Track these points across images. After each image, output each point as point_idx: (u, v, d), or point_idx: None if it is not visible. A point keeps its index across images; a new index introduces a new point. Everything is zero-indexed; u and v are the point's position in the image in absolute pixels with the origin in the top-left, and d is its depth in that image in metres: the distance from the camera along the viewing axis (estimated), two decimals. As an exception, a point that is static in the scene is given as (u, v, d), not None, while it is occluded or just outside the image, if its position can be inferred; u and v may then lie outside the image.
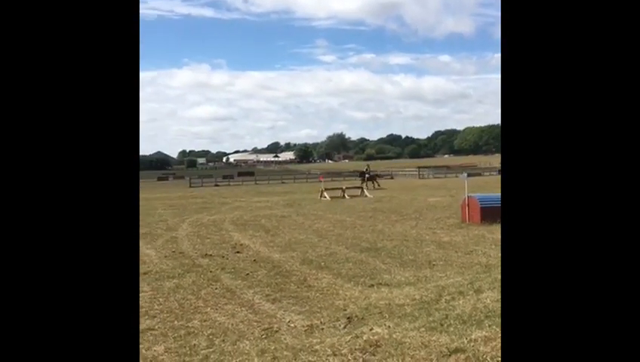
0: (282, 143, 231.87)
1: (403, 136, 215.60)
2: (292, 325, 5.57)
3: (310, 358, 4.33)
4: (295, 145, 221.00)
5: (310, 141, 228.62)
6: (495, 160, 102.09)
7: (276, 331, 5.41)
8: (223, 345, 5.05)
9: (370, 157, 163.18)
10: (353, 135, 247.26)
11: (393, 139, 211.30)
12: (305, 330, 5.32)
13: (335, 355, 4.32)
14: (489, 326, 4.67)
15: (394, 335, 4.64)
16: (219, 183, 51.38)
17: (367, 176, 34.06)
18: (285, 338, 5.07)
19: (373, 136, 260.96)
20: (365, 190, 27.99)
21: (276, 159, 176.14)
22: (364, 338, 4.64)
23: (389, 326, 4.98)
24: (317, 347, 4.60)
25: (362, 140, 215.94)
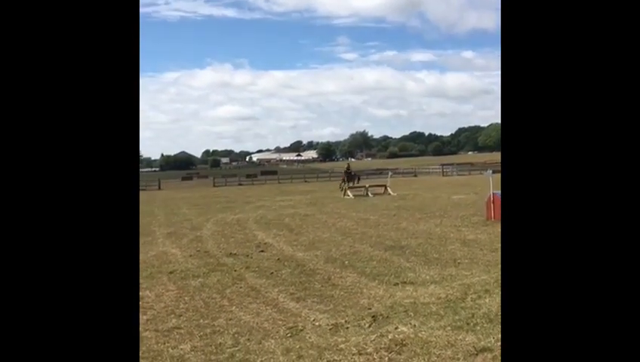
0: (305, 142, 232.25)
1: (426, 134, 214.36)
2: (317, 324, 5.57)
3: (335, 357, 4.32)
4: (318, 143, 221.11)
5: (333, 139, 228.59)
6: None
7: (301, 330, 5.42)
8: (248, 344, 5.08)
9: (393, 155, 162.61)
10: (376, 133, 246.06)
11: (416, 137, 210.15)
12: (330, 329, 5.32)
13: (360, 354, 4.30)
14: (516, 325, 4.61)
15: (420, 334, 4.61)
16: (242, 182, 51.70)
17: (347, 176, 30.82)
18: (310, 337, 5.07)
19: (396, 133, 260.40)
20: (389, 188, 27.87)
21: (299, 158, 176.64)
22: (390, 337, 4.62)
23: (415, 325, 4.95)
24: (342, 346, 4.60)
25: (385, 138, 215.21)
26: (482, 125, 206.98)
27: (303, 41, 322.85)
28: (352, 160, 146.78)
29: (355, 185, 29.17)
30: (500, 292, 6.00)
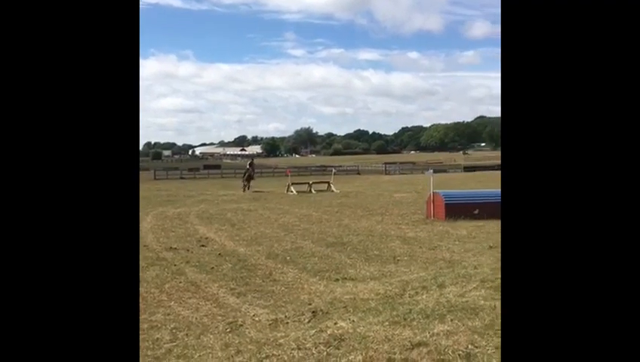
0: (249, 137, 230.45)
1: (370, 132, 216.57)
2: (257, 319, 5.56)
3: (274, 352, 4.33)
4: (262, 139, 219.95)
5: (277, 135, 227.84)
6: (459, 157, 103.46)
7: (240, 325, 5.39)
8: (186, 339, 5.01)
9: (337, 153, 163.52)
10: (321, 130, 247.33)
11: (360, 135, 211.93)
12: (269, 324, 5.32)
13: (299, 349, 4.32)
14: (451, 320, 4.73)
15: (358, 329, 4.67)
16: (184, 176, 50.85)
17: (246, 174, 28.81)
18: (249, 332, 5.06)
19: (341, 131, 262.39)
20: (332, 185, 28.03)
21: (243, 153, 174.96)
22: (329, 332, 4.66)
23: (354, 321, 5.01)
24: (281, 341, 4.61)
25: (330, 135, 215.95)
26: (425, 125, 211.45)
27: (251, 34, 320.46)
28: (297, 156, 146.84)
29: (248, 183, 27.95)
30: (437, 289, 6.15)
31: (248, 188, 27.65)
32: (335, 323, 4.94)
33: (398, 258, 8.85)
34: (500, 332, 4.30)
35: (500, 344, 4.01)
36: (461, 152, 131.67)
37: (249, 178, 28.58)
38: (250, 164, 29.95)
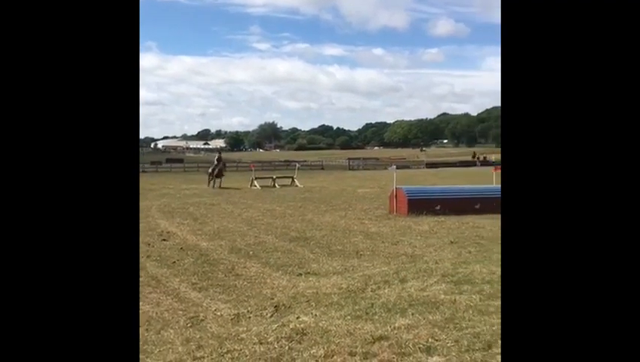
0: (213, 130, 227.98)
1: (334, 127, 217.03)
2: (218, 314, 5.52)
3: (236, 346, 4.30)
4: (226, 132, 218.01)
5: (242, 129, 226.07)
6: (422, 153, 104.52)
7: (202, 320, 5.35)
8: (146, 334, 4.95)
9: (301, 147, 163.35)
10: (285, 124, 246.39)
11: (325, 130, 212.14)
12: (231, 319, 5.29)
13: (261, 343, 4.31)
14: (412, 314, 4.79)
15: (320, 324, 4.68)
16: (146, 169, 49.98)
17: (216, 169, 26.39)
18: (211, 327, 5.02)
19: (305, 126, 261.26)
20: (296, 180, 28.01)
21: (206, 146, 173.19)
22: (291, 326, 4.65)
23: (316, 315, 5.02)
24: (243, 335, 4.58)
25: (294, 130, 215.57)
26: (389, 121, 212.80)
27: (215, 27, 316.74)
28: (261, 150, 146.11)
29: (216, 179, 25.94)
30: (399, 283, 6.21)
31: (216, 185, 25.81)
32: (297, 318, 4.94)
33: (361, 253, 8.90)
34: (459, 326, 4.37)
35: (457, 337, 4.08)
36: (418, 149, 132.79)
37: (219, 174, 26.28)
38: (218, 159, 27.16)
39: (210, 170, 27.44)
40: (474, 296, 5.30)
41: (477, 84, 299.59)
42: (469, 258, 7.87)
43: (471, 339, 3.97)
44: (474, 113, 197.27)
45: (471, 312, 4.72)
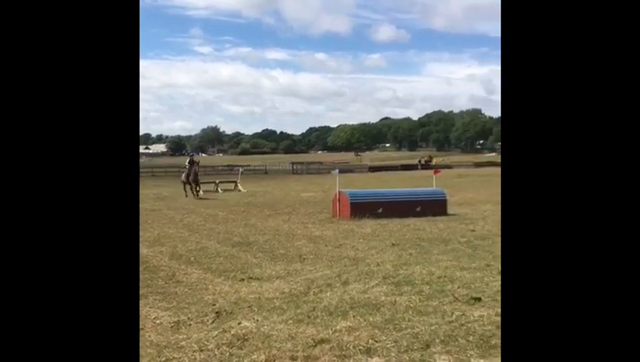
0: (154, 135, 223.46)
1: (278, 132, 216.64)
2: (158, 322, 5.40)
3: (175, 355, 4.22)
4: (167, 137, 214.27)
5: (184, 134, 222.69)
6: (366, 157, 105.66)
7: (141, 328, 5.22)
8: (81, 345, 4.78)
9: (244, 152, 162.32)
10: (228, 129, 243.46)
11: (268, 134, 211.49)
12: (171, 326, 5.18)
13: (201, 351, 4.25)
14: (353, 316, 4.83)
15: (262, 329, 4.66)
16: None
17: (190, 174, 22.73)
18: (150, 336, 4.90)
19: (249, 130, 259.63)
20: (239, 185, 27.81)
21: (147, 151, 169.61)
22: (232, 332, 4.61)
23: (258, 320, 4.99)
24: (183, 343, 4.50)
25: (237, 134, 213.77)
26: (332, 126, 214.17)
27: (155, 29, 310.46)
28: (203, 155, 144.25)
29: (197, 186, 22.87)
30: (341, 286, 6.25)
31: (195, 192, 22.47)
32: (239, 323, 4.90)
33: (304, 256, 8.90)
34: (399, 326, 4.44)
35: (397, 338, 4.14)
36: (367, 153, 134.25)
37: (195, 179, 22.57)
38: (190, 162, 23.13)
39: (183, 177, 23.23)
40: (413, 297, 5.40)
41: (418, 89, 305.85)
42: (410, 260, 8.00)
43: (410, 340, 4.04)
44: (415, 117, 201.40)
45: (410, 313, 4.80)
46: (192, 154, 27.68)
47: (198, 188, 22.84)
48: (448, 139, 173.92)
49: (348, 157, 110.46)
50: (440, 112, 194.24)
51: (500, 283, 6.04)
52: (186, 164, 23.86)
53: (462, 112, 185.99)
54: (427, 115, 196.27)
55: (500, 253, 7.39)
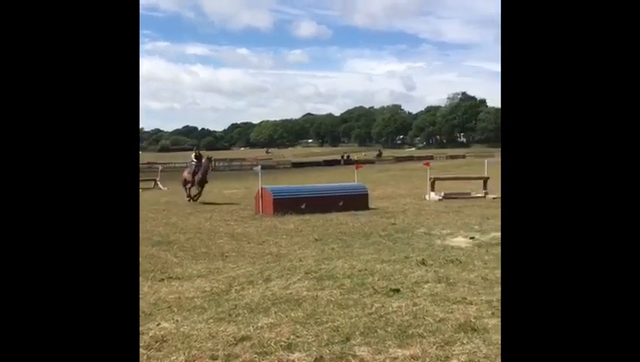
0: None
1: (199, 128, 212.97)
2: (72, 327, 5.19)
3: (90, 360, 4.06)
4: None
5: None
6: (288, 153, 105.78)
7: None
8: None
9: (165, 149, 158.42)
10: (147, 125, 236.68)
11: (189, 131, 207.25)
12: (86, 331, 4.99)
13: (118, 355, 4.11)
14: (275, 312, 4.82)
15: (181, 329, 4.57)
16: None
17: (198, 173, 18.76)
18: (63, 342, 4.70)
19: (169, 127, 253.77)
20: (159, 183, 27.14)
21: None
22: (150, 334, 4.49)
23: (177, 320, 4.89)
24: (98, 348, 4.34)
25: (157, 131, 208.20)
26: (254, 122, 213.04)
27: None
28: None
29: (200, 188, 18.95)
30: (263, 283, 6.23)
31: (194, 195, 18.91)
32: (158, 325, 4.78)
33: (226, 254, 8.81)
34: (320, 320, 4.47)
35: (318, 332, 4.17)
36: (289, 148, 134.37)
37: (202, 180, 18.73)
38: (198, 157, 19.44)
39: (186, 175, 19.31)
40: (335, 291, 5.46)
41: (340, 84, 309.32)
42: (332, 254, 8.09)
43: (330, 333, 4.08)
44: (337, 113, 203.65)
45: (331, 307, 4.85)
46: (196, 148, 23.51)
47: (200, 190, 18.92)
48: (370, 135, 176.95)
49: (271, 153, 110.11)
50: (361, 108, 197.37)
51: (417, 273, 6.22)
52: (192, 159, 19.79)
53: (382, 108, 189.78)
54: (349, 111, 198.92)
55: (418, 245, 7.64)
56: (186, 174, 19.63)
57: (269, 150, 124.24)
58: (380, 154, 78.37)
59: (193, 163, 19.42)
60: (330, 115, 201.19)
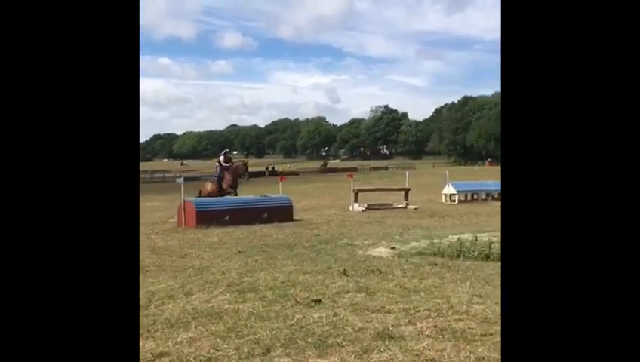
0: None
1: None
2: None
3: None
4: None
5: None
6: (211, 164, 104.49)
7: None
8: None
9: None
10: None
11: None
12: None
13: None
14: (195, 326, 4.76)
15: (97, 347, 4.42)
16: None
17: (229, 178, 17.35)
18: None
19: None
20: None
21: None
22: (64, 353, 4.33)
23: (93, 338, 4.73)
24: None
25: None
26: (178, 133, 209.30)
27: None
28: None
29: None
30: (184, 297, 6.13)
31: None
32: (72, 343, 4.61)
33: (147, 269, 8.58)
34: (241, 333, 4.46)
35: (238, 345, 4.16)
36: (213, 160, 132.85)
37: (234, 184, 16.86)
38: (227, 161, 17.40)
39: (209, 188, 17.28)
40: (257, 303, 5.46)
41: (265, 96, 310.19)
42: (255, 266, 8.07)
43: (251, 346, 4.08)
44: (262, 125, 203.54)
45: (253, 319, 4.85)
46: (227, 152, 19.79)
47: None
48: (295, 147, 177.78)
49: (195, 165, 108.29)
50: (286, 120, 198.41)
51: (339, 284, 6.32)
52: (219, 164, 17.56)
53: (307, 120, 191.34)
54: (274, 123, 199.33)
55: (340, 256, 7.77)
56: (209, 187, 17.28)
57: (184, 162, 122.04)
58: (325, 165, 79.31)
59: (216, 169, 16.97)
60: (255, 127, 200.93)
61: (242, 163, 17.52)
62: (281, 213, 15.59)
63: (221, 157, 18.11)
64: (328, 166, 78.90)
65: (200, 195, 17.16)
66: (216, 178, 16.96)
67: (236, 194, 16.74)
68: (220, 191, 16.58)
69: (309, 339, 4.24)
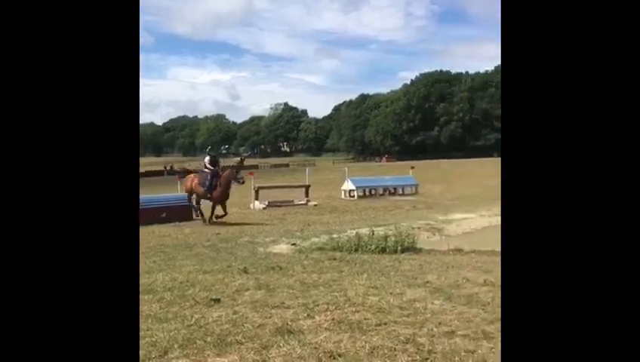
0: None
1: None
2: None
3: None
4: None
5: None
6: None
7: None
8: None
9: None
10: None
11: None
12: None
13: None
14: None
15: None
16: None
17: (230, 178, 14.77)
18: None
19: None
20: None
21: None
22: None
23: None
24: None
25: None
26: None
27: None
28: None
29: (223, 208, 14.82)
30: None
31: (218, 216, 14.56)
32: None
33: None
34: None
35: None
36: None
37: (225, 195, 14.53)
38: (213, 163, 14.95)
39: (194, 186, 14.95)
40: (154, 305, 5.34)
41: (163, 93, 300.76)
42: (153, 267, 7.88)
43: (148, 349, 4.00)
44: (160, 122, 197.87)
45: (150, 322, 4.74)
46: (208, 149, 17.73)
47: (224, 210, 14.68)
48: (194, 145, 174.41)
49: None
50: (185, 117, 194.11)
51: (239, 282, 6.32)
52: (206, 166, 14.88)
53: (207, 118, 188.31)
54: (172, 120, 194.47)
55: (241, 254, 7.75)
56: (195, 185, 14.90)
57: None
58: (242, 161, 77.35)
59: (206, 170, 14.70)
60: (152, 125, 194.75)
61: (232, 169, 15.12)
62: (181, 212, 15.31)
63: (206, 159, 15.14)
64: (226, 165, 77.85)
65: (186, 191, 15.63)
66: (206, 182, 14.46)
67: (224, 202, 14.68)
68: (210, 197, 14.59)
69: (208, 339, 4.21)
